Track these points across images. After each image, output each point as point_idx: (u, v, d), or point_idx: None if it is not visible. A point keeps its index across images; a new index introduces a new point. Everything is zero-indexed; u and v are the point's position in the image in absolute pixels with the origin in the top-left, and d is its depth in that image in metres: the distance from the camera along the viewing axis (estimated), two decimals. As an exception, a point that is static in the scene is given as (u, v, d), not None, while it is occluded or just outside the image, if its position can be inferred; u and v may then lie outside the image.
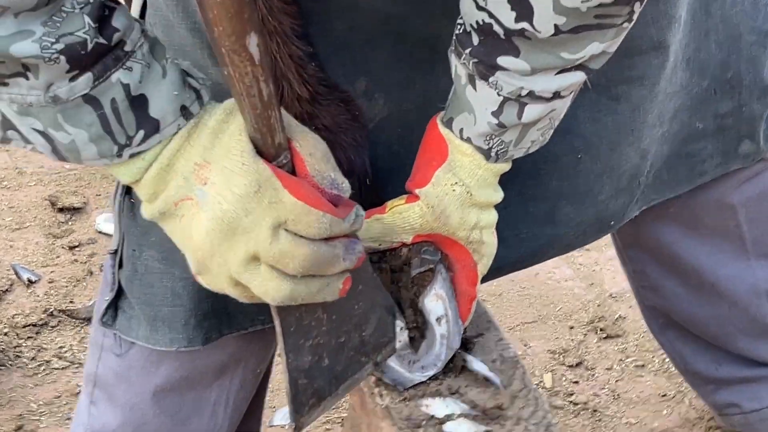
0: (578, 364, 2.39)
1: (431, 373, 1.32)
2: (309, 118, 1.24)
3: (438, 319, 1.30)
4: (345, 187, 1.04)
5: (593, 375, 2.36)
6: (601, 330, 2.48)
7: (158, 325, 1.38)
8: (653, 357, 2.39)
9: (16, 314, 2.55)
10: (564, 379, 2.35)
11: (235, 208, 0.99)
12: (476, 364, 1.35)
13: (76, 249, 2.78)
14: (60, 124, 0.97)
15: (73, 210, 2.93)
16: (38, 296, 2.61)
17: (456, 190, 1.21)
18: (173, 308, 1.37)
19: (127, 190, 1.40)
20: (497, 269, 1.42)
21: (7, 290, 2.63)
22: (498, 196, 1.25)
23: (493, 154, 1.19)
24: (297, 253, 1.01)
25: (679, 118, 1.48)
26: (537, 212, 1.43)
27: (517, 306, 2.59)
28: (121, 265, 1.43)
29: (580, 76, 1.12)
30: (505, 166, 1.23)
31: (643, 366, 2.38)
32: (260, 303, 1.38)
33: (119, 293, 1.44)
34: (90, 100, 0.97)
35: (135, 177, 1.03)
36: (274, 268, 1.02)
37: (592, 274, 2.67)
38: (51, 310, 2.56)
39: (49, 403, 2.32)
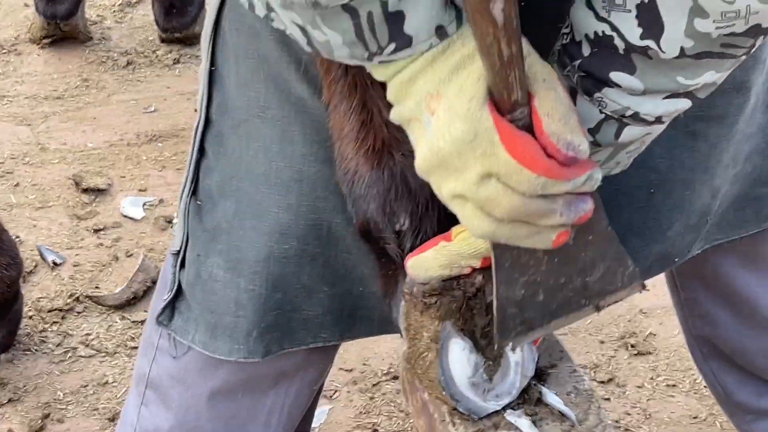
0: (609, 380, 2.37)
1: (506, 402, 1.30)
2: (396, 144, 1.21)
3: (512, 348, 1.28)
4: (582, 149, 1.02)
5: (624, 392, 2.35)
6: (632, 346, 2.47)
7: (218, 333, 1.36)
8: (684, 377, 2.37)
9: (41, 297, 2.52)
10: (595, 395, 2.34)
11: (449, 148, 1.00)
12: (551, 396, 1.33)
13: (101, 232, 2.75)
14: (318, 24, 1.00)
15: (98, 191, 2.90)
16: (63, 279, 2.58)
17: None
18: (236, 318, 1.34)
19: (194, 191, 1.37)
20: None
21: (31, 272, 2.60)
22: None
23: None
24: (504, 202, 1.02)
25: (753, 160, 1.47)
26: None
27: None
28: (183, 266, 1.40)
29: (686, 104, 1.10)
30: None
31: (674, 386, 2.37)
32: (323, 321, 1.37)
33: (177, 294, 1.42)
34: (348, 9, 0.98)
35: (384, 78, 1.05)
36: (481, 208, 1.03)
37: (622, 289, 2.65)
38: (77, 294, 2.53)
39: (75, 392, 2.29)
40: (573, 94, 1.09)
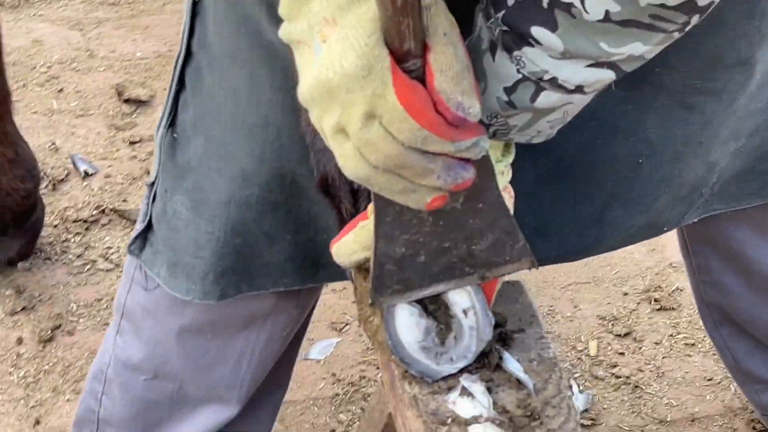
0: (626, 335, 2.33)
1: (462, 365, 1.27)
2: None
3: (465, 311, 1.25)
4: (472, 112, 0.99)
5: (640, 348, 2.30)
6: (655, 300, 2.41)
7: (177, 272, 1.35)
8: (704, 337, 2.31)
9: (68, 207, 2.53)
10: (610, 348, 2.29)
11: (338, 80, 0.96)
12: (511, 363, 1.30)
13: (137, 145, 2.75)
14: None
15: (139, 102, 2.89)
16: (93, 190, 2.59)
17: None
18: (194, 259, 1.33)
19: (171, 123, 1.35)
20: (540, 260, 1.37)
21: (62, 180, 2.61)
22: (498, 167, 1.17)
23: (491, 131, 1.11)
24: (382, 148, 0.98)
25: (761, 135, 1.41)
26: (585, 212, 1.37)
27: (572, 264, 2.51)
28: (155, 198, 1.39)
29: (609, 75, 1.04)
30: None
31: (693, 345, 2.31)
32: (284, 267, 1.35)
33: (149, 226, 1.41)
34: None
35: None
36: (359, 150, 1.00)
37: (654, 240, 2.58)
38: (103, 207, 2.54)
39: (89, 306, 2.31)
40: (493, 48, 1.04)
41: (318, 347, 2.23)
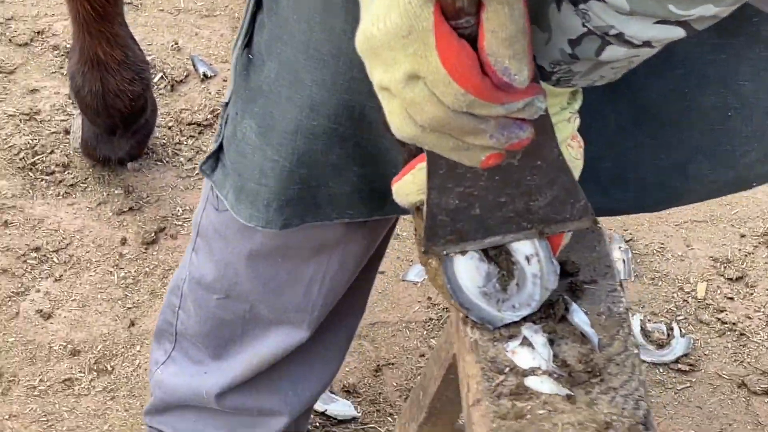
0: (738, 279, 2.24)
1: (525, 313, 1.23)
2: None
3: (527, 258, 1.20)
4: (518, 79, 0.93)
5: (751, 294, 2.21)
6: (774, 245, 2.31)
7: (242, 197, 1.33)
8: (822, 288, 2.22)
9: (184, 109, 2.53)
10: (719, 292, 2.21)
11: (381, 37, 0.92)
12: (578, 315, 1.25)
13: (259, 49, 2.73)
14: None
15: (266, 5, 2.86)
16: (210, 93, 2.59)
17: None
18: (258, 186, 1.30)
19: (248, 43, 1.32)
20: (609, 210, 1.32)
21: (181, 81, 2.61)
22: (563, 115, 1.11)
23: (554, 78, 1.05)
24: (427, 110, 0.94)
25: None
26: (669, 162, 1.30)
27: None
28: (227, 121, 1.37)
29: (678, 33, 0.96)
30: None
31: (809, 295, 2.22)
32: (351, 198, 1.32)
33: (221, 147, 1.39)
34: None
35: None
36: (405, 109, 0.97)
37: (781, 181, 2.48)
38: (218, 111, 2.53)
39: (194, 210, 2.31)
40: (559, 0, 0.98)
41: (416, 269, 2.19)
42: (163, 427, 1.70)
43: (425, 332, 2.12)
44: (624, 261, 2.22)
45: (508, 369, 1.22)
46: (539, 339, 1.24)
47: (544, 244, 1.21)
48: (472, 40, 0.92)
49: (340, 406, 1.95)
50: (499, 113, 0.95)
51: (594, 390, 1.20)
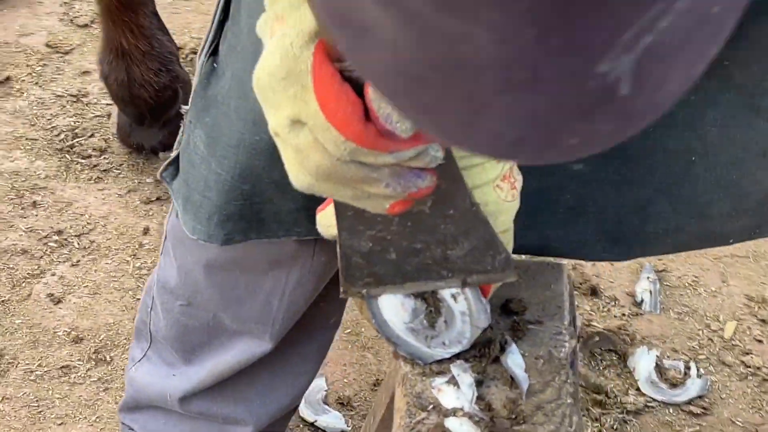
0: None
1: (456, 350, 1.18)
2: None
3: (454, 296, 1.15)
4: (400, 126, 0.86)
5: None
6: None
7: (188, 207, 1.29)
8: None
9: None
10: (748, 333, 2.11)
11: (265, 80, 0.88)
12: (512, 357, 1.20)
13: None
14: None
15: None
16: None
17: None
18: (202, 198, 1.27)
19: (213, 51, 1.29)
20: (573, 243, 1.27)
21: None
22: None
23: None
24: (313, 157, 0.88)
25: None
26: (630, 199, 1.23)
27: (733, 234, 2.33)
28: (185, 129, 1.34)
29: None
30: None
31: None
32: (297, 216, 1.27)
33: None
34: None
35: None
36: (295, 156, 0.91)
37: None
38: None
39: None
40: None
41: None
42: (134, 425, 1.69)
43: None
44: (651, 292, 2.14)
45: (431, 406, 1.17)
46: (466, 379, 1.18)
47: (471, 281, 1.15)
48: (361, 84, 0.85)
49: (330, 418, 1.91)
50: (387, 162, 0.88)
51: (515, 439, 1.15)
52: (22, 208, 2.26)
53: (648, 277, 2.16)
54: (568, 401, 1.18)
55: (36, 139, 2.42)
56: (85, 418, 1.90)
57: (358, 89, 0.84)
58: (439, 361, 1.19)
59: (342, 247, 1.06)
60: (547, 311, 1.26)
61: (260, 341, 1.49)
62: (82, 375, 1.97)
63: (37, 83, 2.57)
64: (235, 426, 1.61)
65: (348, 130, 0.84)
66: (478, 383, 1.18)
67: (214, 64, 1.28)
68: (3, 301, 2.09)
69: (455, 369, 1.19)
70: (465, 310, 1.16)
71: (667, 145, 1.19)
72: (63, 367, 1.99)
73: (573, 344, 1.24)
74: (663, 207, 1.23)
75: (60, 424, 1.88)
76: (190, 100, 1.32)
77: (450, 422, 1.15)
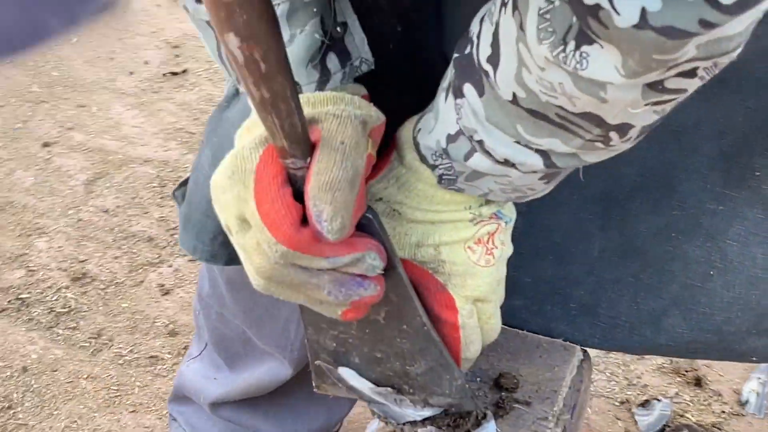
0: None
1: (426, 413, 1.15)
2: None
3: None
4: (327, 227, 0.83)
5: None
6: None
7: (189, 227, 1.30)
8: None
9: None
10: None
11: (215, 179, 0.90)
12: (487, 433, 1.16)
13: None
14: None
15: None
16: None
17: (378, 208, 1.00)
18: (205, 218, 1.27)
19: None
20: (578, 341, 1.21)
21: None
22: (464, 215, 1.00)
23: (436, 173, 0.96)
24: (254, 259, 0.87)
25: None
26: (645, 308, 1.17)
27: None
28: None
29: (536, 161, 0.87)
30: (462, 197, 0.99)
31: None
32: None
33: None
34: None
35: None
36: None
37: None
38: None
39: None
40: (448, 89, 0.91)
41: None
42: (179, 416, 1.73)
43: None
44: (758, 394, 2.02)
45: (399, 467, 1.15)
46: (433, 450, 1.15)
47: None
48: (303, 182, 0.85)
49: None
50: (322, 267, 0.86)
51: None
52: (161, 197, 2.34)
53: (758, 378, 2.04)
54: (533, 491, 1.14)
55: (194, 134, 2.50)
56: (157, 410, 1.94)
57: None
58: (413, 423, 1.17)
59: (309, 342, 1.05)
60: (541, 393, 1.21)
61: (281, 365, 1.49)
62: (167, 368, 2.03)
63: (211, 80, 2.65)
64: (266, 440, 1.63)
65: (278, 232, 0.83)
66: (445, 455, 1.15)
67: (237, 88, 1.30)
68: (117, 283, 2.17)
69: (423, 433, 1.16)
70: (431, 380, 1.13)
71: (688, 253, 1.13)
72: (152, 356, 2.04)
73: (558, 432, 1.19)
74: (677, 321, 1.17)
75: (132, 412, 1.94)
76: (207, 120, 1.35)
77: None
